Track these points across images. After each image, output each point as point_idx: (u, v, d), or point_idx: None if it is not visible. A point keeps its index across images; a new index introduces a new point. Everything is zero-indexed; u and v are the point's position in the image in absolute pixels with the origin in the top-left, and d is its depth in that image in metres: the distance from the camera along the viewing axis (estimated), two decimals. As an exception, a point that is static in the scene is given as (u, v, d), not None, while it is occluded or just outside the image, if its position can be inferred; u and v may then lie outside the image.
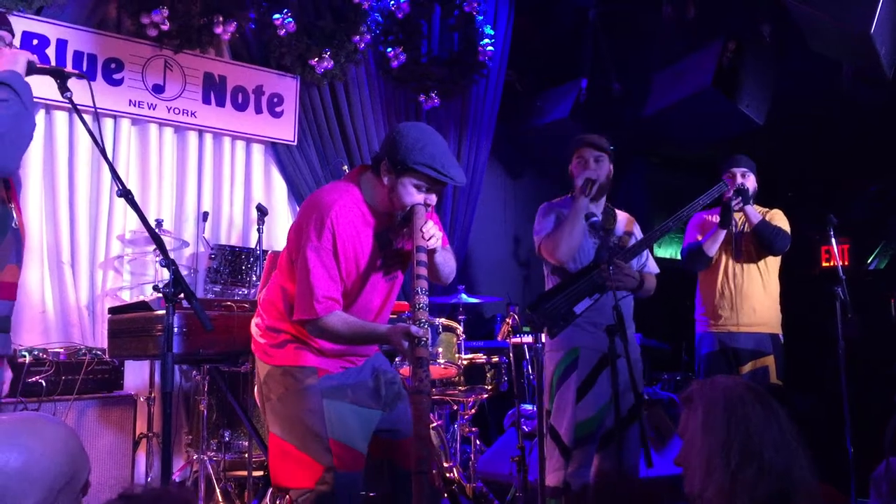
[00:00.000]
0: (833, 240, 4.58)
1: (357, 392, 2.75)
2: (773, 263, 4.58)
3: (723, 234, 4.44)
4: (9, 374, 2.71)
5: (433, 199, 2.68)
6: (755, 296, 4.49)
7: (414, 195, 2.62)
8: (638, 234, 3.75)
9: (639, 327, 3.78)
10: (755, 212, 4.48)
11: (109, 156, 2.88)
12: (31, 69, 2.46)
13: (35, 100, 2.48)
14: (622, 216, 3.76)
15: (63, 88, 2.50)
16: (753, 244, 4.51)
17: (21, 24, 4.64)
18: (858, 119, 6.37)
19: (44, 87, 2.56)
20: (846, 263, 6.89)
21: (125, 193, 2.45)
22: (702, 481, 1.84)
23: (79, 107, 2.59)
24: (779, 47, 6.11)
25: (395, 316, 3.53)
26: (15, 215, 2.51)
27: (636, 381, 3.11)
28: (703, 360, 4.61)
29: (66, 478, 1.58)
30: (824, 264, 7.45)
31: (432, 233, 2.64)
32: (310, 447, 2.63)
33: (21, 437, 1.56)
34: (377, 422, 2.78)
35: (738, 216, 4.56)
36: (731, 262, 4.53)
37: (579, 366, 3.45)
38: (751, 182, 4.50)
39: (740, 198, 4.38)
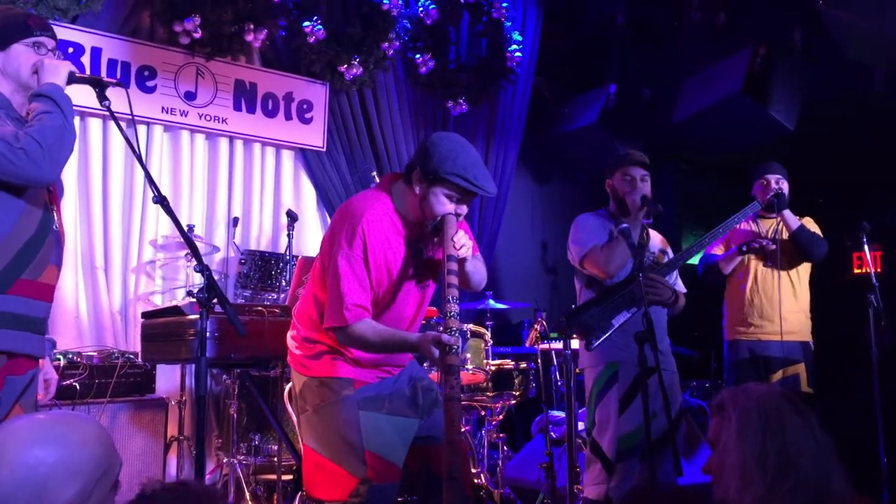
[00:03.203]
0: (866, 246, 4.49)
1: (394, 402, 2.75)
2: (804, 270, 4.53)
3: (739, 257, 4.49)
4: (54, 377, 2.77)
5: (464, 209, 2.69)
6: (786, 303, 4.43)
7: (445, 205, 2.63)
8: (670, 252, 3.76)
9: (668, 334, 3.76)
10: (794, 218, 4.42)
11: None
12: (72, 79, 2.51)
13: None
14: (655, 235, 3.75)
15: (102, 97, 2.54)
16: (789, 251, 4.46)
17: (57, 32, 4.67)
18: (888, 124, 6.28)
19: (78, 94, 2.61)
20: (879, 270, 6.80)
21: (161, 200, 2.47)
22: (737, 491, 1.82)
23: (115, 114, 2.63)
24: (808, 53, 6.05)
25: (423, 322, 3.53)
26: (56, 218, 2.56)
27: (669, 401, 3.04)
28: (732, 367, 4.57)
29: (103, 469, 1.66)
30: (856, 271, 7.35)
31: (463, 242, 2.65)
32: (344, 459, 2.63)
33: (58, 429, 1.64)
34: (415, 430, 2.78)
35: (769, 223, 4.53)
36: (761, 268, 4.48)
37: (620, 378, 3.43)
38: (785, 188, 4.46)
39: (776, 202, 4.34)
